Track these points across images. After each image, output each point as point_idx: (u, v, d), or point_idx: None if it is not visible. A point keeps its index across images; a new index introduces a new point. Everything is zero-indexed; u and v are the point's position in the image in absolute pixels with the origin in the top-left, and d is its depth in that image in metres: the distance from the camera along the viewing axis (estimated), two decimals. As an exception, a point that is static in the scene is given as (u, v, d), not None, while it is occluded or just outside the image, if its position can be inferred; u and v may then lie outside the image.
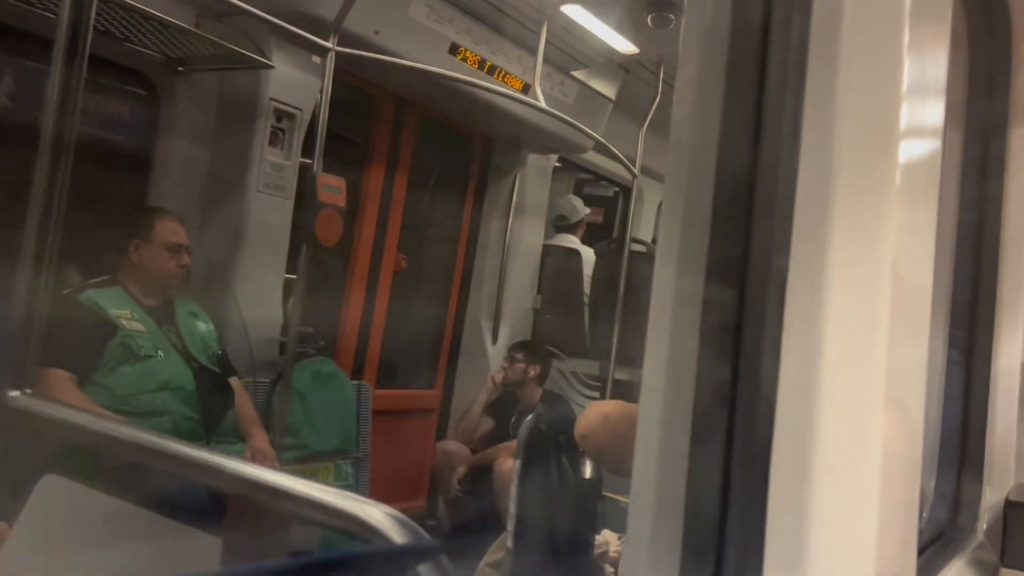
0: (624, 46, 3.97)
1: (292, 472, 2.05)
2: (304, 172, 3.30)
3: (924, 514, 1.42)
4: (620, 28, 3.76)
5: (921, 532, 1.34)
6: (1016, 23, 1.62)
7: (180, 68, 3.18)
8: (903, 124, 0.66)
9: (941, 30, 0.76)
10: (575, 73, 4.39)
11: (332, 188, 3.04)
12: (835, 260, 0.62)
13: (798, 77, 0.64)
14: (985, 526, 1.44)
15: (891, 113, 0.65)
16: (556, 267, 5.15)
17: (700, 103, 0.67)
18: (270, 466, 2.78)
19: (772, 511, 0.61)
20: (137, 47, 2.93)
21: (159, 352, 2.81)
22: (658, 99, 4.29)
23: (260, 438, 3.04)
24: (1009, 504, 1.47)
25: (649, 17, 3.52)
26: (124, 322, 2.77)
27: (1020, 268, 1.56)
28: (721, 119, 0.65)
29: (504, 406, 4.41)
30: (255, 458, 2.95)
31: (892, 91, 0.65)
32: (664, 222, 0.70)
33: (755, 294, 0.64)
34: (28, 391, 1.16)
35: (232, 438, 3.05)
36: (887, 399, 0.63)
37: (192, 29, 2.87)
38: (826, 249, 0.62)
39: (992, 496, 1.50)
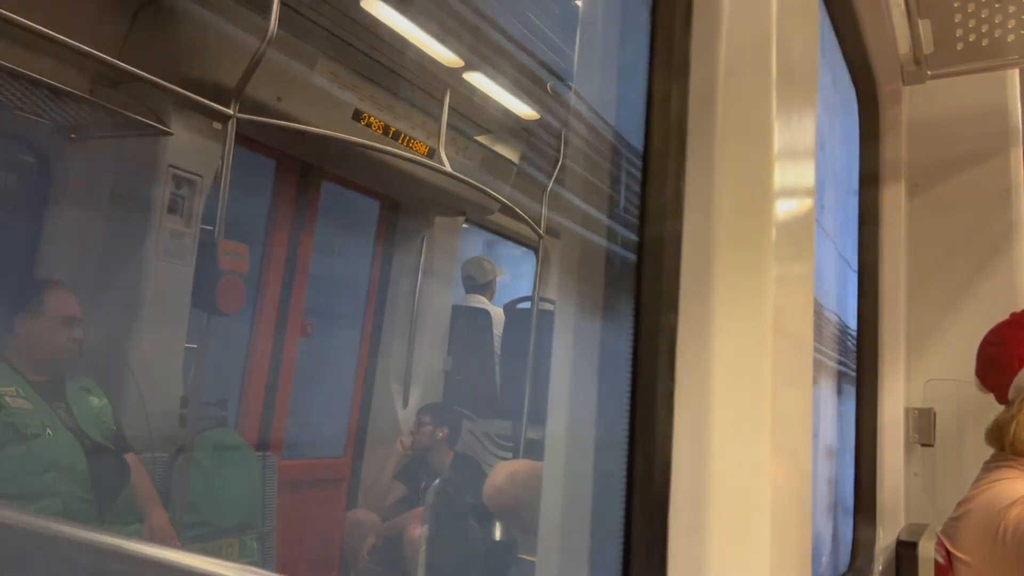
0: (526, 111, 4.09)
1: (194, 550, 1.95)
2: (205, 238, 3.23)
3: (824, 559, 1.46)
4: (521, 94, 3.88)
5: None
6: (882, 91, 1.76)
7: (72, 135, 3.09)
8: (776, 184, 0.71)
9: (807, 99, 0.82)
10: (479, 138, 4.49)
11: (234, 254, 2.98)
12: (720, 315, 0.65)
13: (679, 145, 0.68)
14: (881, 567, 1.49)
15: (764, 175, 0.70)
16: (466, 328, 5.15)
17: (590, 170, 0.70)
18: (170, 545, 2.65)
19: (672, 559, 0.63)
20: (26, 114, 2.83)
21: (47, 431, 2.67)
22: (561, 161, 4.42)
23: (159, 516, 2.90)
24: (901, 544, 1.53)
25: (548, 84, 3.65)
26: (8, 400, 2.62)
27: (898, 317, 1.66)
28: (610, 186, 0.68)
29: (415, 471, 4.34)
30: (154, 537, 2.81)
31: (764, 155, 0.70)
32: (560, 285, 0.72)
33: (648, 351, 0.67)
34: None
35: (129, 518, 2.90)
36: (774, 446, 0.66)
37: (85, 96, 2.80)
38: (711, 305, 0.65)
39: (886, 538, 1.56)
